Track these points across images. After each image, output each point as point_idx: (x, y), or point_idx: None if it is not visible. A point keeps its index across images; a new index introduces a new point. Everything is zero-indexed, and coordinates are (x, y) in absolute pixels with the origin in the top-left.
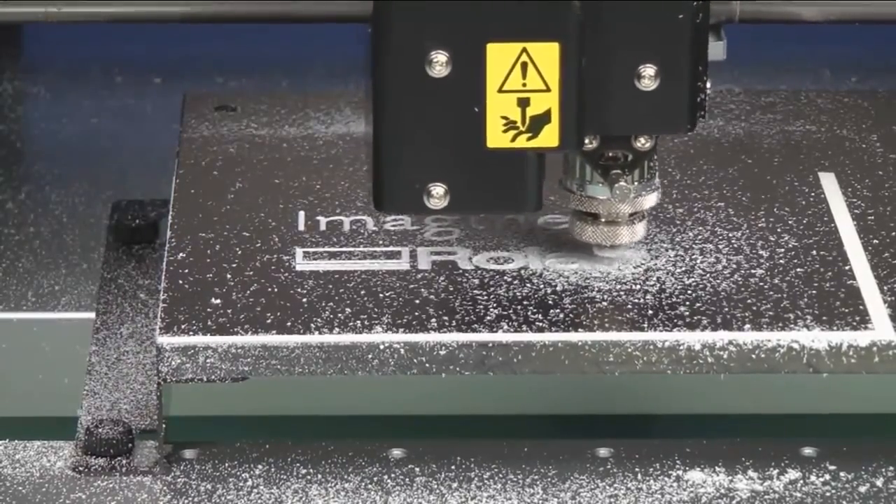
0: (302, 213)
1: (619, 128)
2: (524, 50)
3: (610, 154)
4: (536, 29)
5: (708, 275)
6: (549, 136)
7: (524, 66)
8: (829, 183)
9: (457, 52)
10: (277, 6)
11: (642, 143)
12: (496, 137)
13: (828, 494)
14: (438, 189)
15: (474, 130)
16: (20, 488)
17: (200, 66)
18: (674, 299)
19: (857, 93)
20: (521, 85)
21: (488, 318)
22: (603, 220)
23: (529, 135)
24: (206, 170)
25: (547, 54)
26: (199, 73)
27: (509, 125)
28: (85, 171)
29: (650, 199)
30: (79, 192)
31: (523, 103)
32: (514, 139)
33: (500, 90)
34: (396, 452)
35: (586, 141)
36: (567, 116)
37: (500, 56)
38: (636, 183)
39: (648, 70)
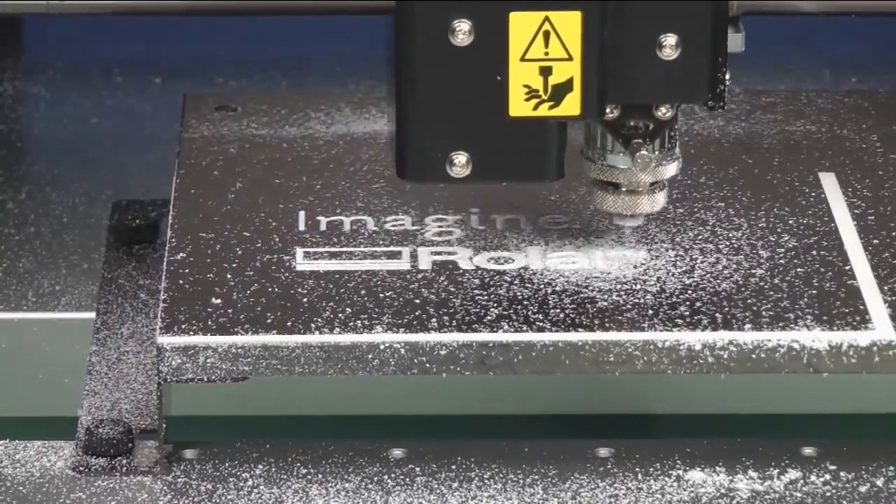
0: (302, 213)
1: (641, 97)
2: (546, 18)
3: (631, 123)
4: None
5: (708, 275)
6: (571, 105)
7: (546, 34)
8: (829, 183)
9: (479, 20)
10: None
11: (663, 112)
12: (518, 106)
13: (828, 494)
14: (461, 157)
15: (497, 99)
16: (20, 488)
17: (200, 66)
18: (674, 299)
19: (857, 93)
20: (544, 54)
21: (488, 318)
22: (624, 189)
23: (551, 103)
24: (206, 170)
25: (569, 23)
26: (199, 73)
27: (531, 94)
28: (85, 171)
29: (671, 169)
30: (79, 192)
31: (545, 72)
32: (536, 108)
33: (523, 59)
34: (396, 452)
35: (608, 110)
36: (589, 85)
37: (522, 25)
38: (657, 152)
39: (670, 39)
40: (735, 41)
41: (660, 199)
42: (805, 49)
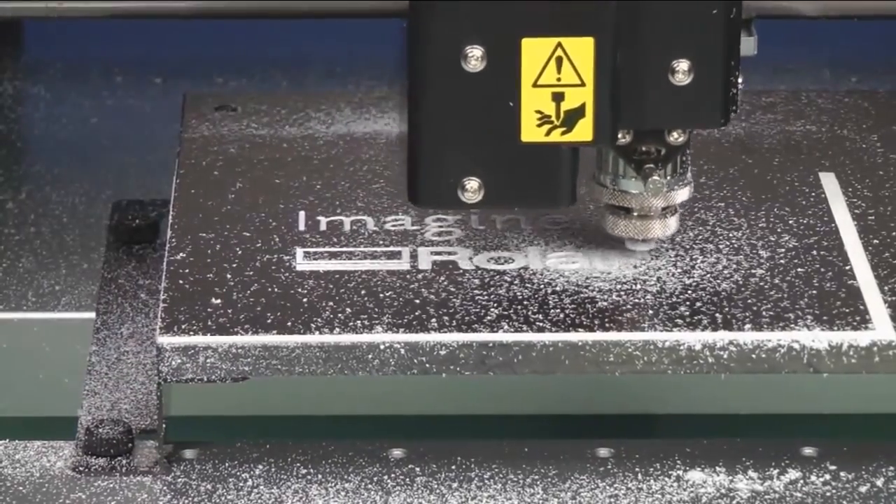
0: (302, 213)
1: (653, 122)
2: (559, 45)
3: (643, 149)
4: (571, 24)
5: (708, 275)
6: (584, 131)
7: (559, 60)
8: (829, 183)
9: (492, 46)
10: (280, 3)
11: (675, 137)
12: (531, 132)
13: (828, 494)
14: (473, 183)
15: (509, 125)
16: (20, 488)
17: (200, 66)
18: (674, 299)
19: (857, 93)
20: (556, 79)
21: (488, 318)
22: (636, 214)
23: (564, 129)
24: (206, 170)
25: (582, 49)
26: (199, 73)
27: (544, 119)
28: (85, 171)
29: (683, 194)
30: (79, 192)
31: (558, 98)
32: (548, 133)
33: (535, 84)
34: (396, 452)
35: (620, 135)
36: (601, 111)
37: (534, 51)
38: (669, 177)
39: (682, 65)
40: (748, 45)
41: (672, 224)
42: (805, 49)
